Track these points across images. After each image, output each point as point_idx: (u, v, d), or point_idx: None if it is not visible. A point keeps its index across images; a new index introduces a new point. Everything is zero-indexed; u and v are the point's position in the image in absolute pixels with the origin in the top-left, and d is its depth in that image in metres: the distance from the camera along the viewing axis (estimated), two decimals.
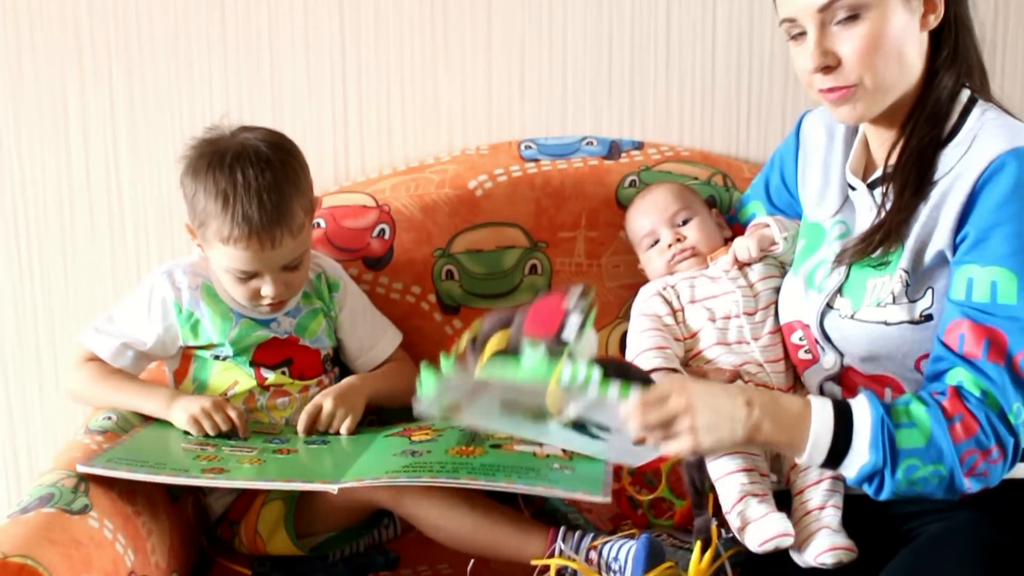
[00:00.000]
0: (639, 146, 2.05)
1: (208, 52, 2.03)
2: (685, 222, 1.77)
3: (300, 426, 1.72)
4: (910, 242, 1.47)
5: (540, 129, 2.08)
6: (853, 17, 1.45)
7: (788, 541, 1.48)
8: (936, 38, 1.51)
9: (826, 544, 1.48)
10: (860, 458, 1.40)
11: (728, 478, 1.56)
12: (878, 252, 1.51)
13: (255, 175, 1.66)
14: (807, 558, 1.49)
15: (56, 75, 2.03)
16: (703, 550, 1.49)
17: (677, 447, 1.40)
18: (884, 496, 1.42)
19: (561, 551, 1.60)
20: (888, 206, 1.50)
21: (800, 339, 1.62)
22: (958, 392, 1.41)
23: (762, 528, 1.49)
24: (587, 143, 2.05)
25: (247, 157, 1.68)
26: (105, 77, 2.03)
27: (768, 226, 1.72)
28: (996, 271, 1.40)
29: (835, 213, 1.61)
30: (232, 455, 1.64)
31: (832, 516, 1.52)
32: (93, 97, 2.04)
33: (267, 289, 1.72)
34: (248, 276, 1.72)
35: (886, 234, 1.49)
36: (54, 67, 2.02)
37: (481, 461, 1.57)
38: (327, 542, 1.76)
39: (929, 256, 1.47)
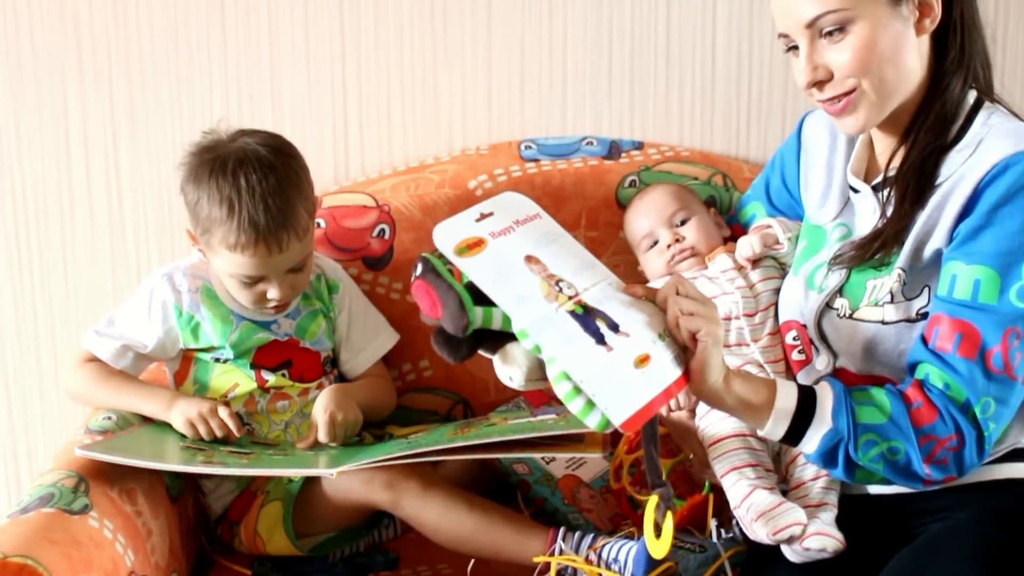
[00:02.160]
0: (639, 146, 2.05)
1: (208, 52, 2.03)
2: (683, 222, 1.77)
3: (323, 436, 1.70)
4: (909, 240, 1.48)
5: (540, 129, 2.08)
6: (840, 30, 1.45)
7: (800, 530, 1.47)
8: (941, 40, 1.50)
9: (812, 529, 1.48)
10: (823, 425, 1.43)
11: (734, 473, 1.56)
12: (874, 259, 1.51)
13: (259, 180, 1.65)
14: (795, 546, 1.49)
15: (56, 75, 2.02)
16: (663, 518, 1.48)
17: (695, 327, 1.37)
18: (842, 474, 1.45)
19: (561, 551, 1.60)
20: (888, 213, 1.51)
21: (794, 339, 1.62)
22: (921, 384, 1.43)
23: (776, 518, 1.48)
24: (587, 143, 2.05)
25: (249, 162, 1.67)
26: (105, 77, 2.03)
27: (771, 227, 1.72)
28: (980, 270, 1.41)
29: (836, 216, 1.62)
30: (229, 456, 1.64)
31: (825, 511, 1.52)
32: (93, 97, 2.04)
33: (273, 292, 1.72)
34: (254, 281, 1.71)
35: (883, 243, 1.49)
36: (54, 67, 2.02)
37: (476, 433, 1.58)
38: (327, 542, 1.76)
39: (927, 255, 1.47)
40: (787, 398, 1.44)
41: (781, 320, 1.66)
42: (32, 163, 2.06)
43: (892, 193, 1.51)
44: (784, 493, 1.59)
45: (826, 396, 1.44)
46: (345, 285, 1.87)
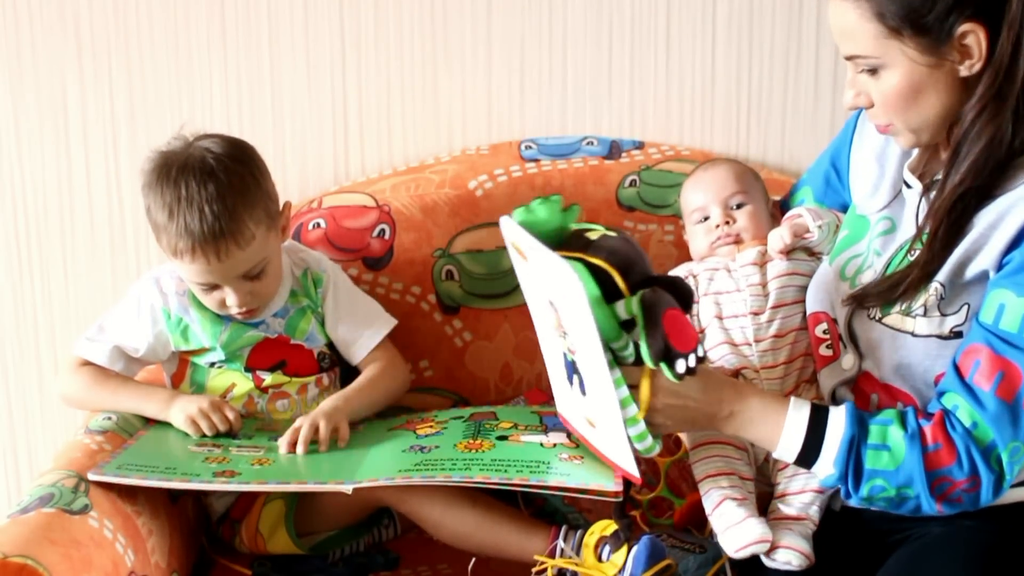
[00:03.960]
0: (639, 146, 2.05)
1: (208, 52, 2.03)
2: (739, 206, 1.73)
3: (283, 446, 1.65)
4: (954, 255, 1.43)
5: (540, 129, 2.08)
6: (872, 71, 1.43)
7: (764, 547, 1.47)
8: (991, 81, 1.40)
9: (782, 542, 1.48)
10: (825, 469, 1.43)
11: (708, 481, 1.55)
12: (900, 301, 1.47)
13: (197, 187, 1.65)
14: (765, 556, 1.49)
15: (56, 75, 2.02)
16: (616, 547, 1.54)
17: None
18: (853, 503, 1.45)
19: (562, 550, 1.60)
20: (923, 227, 1.46)
21: (824, 332, 1.58)
22: (944, 419, 1.39)
23: (740, 533, 1.48)
24: (587, 143, 2.05)
25: (191, 169, 1.67)
26: (105, 77, 2.03)
27: (801, 216, 1.68)
28: None
29: (883, 208, 1.57)
30: (240, 456, 1.63)
31: (803, 526, 1.52)
32: (93, 97, 2.04)
33: (231, 299, 1.71)
34: (209, 287, 1.71)
35: (908, 287, 1.45)
36: (54, 67, 2.02)
37: (491, 456, 1.57)
38: (327, 541, 1.76)
39: (971, 272, 1.42)
40: (790, 445, 1.45)
41: (810, 310, 1.62)
42: (32, 163, 2.06)
43: (925, 223, 1.46)
44: (770, 496, 1.58)
45: (833, 438, 1.42)
46: (329, 275, 1.85)
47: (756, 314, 1.64)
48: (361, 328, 1.85)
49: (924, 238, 1.45)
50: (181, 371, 1.81)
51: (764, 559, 1.49)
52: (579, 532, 1.62)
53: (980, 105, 1.40)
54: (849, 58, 1.44)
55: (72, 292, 2.10)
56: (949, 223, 1.42)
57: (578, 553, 1.59)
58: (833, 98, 2.05)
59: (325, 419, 1.68)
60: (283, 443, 1.66)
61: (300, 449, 1.64)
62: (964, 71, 1.40)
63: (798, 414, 1.45)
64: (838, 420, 1.43)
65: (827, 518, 1.55)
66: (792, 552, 1.47)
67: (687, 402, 1.45)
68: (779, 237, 1.67)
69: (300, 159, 2.05)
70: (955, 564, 1.38)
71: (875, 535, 1.53)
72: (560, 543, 1.61)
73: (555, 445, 1.62)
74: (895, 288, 1.46)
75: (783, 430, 1.44)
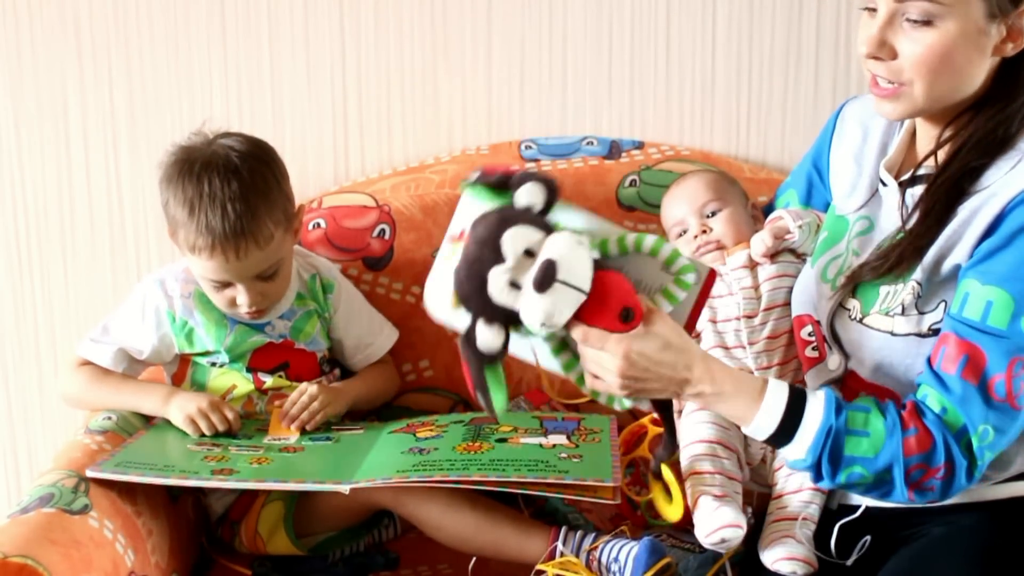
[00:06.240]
0: (639, 146, 2.05)
1: (208, 52, 2.03)
2: (714, 213, 1.74)
3: (285, 406, 1.73)
4: (930, 252, 1.43)
5: (540, 129, 2.08)
6: (925, 22, 1.38)
7: (736, 532, 1.46)
8: (1014, 64, 1.43)
9: (784, 552, 1.48)
10: (796, 453, 1.41)
11: (692, 478, 1.56)
12: (892, 273, 1.46)
13: (221, 185, 1.65)
14: (766, 560, 1.49)
15: (56, 75, 2.03)
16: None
17: (599, 385, 1.43)
18: (824, 486, 1.44)
19: (561, 553, 1.60)
20: (912, 220, 1.46)
21: (809, 335, 1.59)
22: (916, 407, 1.40)
23: (710, 519, 1.48)
24: (587, 143, 2.05)
25: (215, 166, 1.67)
26: (105, 77, 2.03)
27: (782, 218, 1.69)
28: (994, 291, 1.37)
29: (860, 207, 1.58)
30: (239, 455, 1.64)
31: (802, 527, 1.51)
32: (93, 97, 2.04)
33: (242, 298, 1.72)
34: (222, 285, 1.72)
35: (901, 256, 1.45)
36: (54, 67, 2.02)
37: (489, 456, 1.58)
38: (327, 542, 1.76)
39: (946, 269, 1.43)
40: (764, 423, 1.41)
41: (795, 313, 1.62)
42: (32, 163, 2.06)
43: (919, 202, 1.45)
44: (769, 498, 1.58)
45: (810, 426, 1.39)
46: (340, 285, 1.87)
47: (749, 317, 1.64)
48: (370, 339, 1.89)
49: (912, 222, 1.45)
50: (182, 371, 1.81)
51: (762, 557, 1.49)
52: (579, 533, 1.62)
53: (1011, 89, 1.42)
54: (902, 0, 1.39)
55: (72, 292, 2.10)
56: (948, 201, 1.43)
57: (577, 554, 1.59)
58: (833, 98, 2.05)
59: (325, 393, 1.75)
60: (285, 417, 1.72)
61: (296, 416, 1.72)
62: (1011, 50, 1.40)
63: (777, 395, 1.41)
64: (816, 408, 1.40)
65: (825, 518, 1.55)
66: (798, 563, 1.47)
67: (661, 356, 1.39)
68: (761, 241, 1.68)
69: (300, 159, 2.05)
70: (955, 564, 1.39)
71: (875, 535, 1.53)
72: (560, 545, 1.61)
73: (554, 446, 1.62)
74: (886, 258, 1.46)
75: (759, 409, 1.41)
